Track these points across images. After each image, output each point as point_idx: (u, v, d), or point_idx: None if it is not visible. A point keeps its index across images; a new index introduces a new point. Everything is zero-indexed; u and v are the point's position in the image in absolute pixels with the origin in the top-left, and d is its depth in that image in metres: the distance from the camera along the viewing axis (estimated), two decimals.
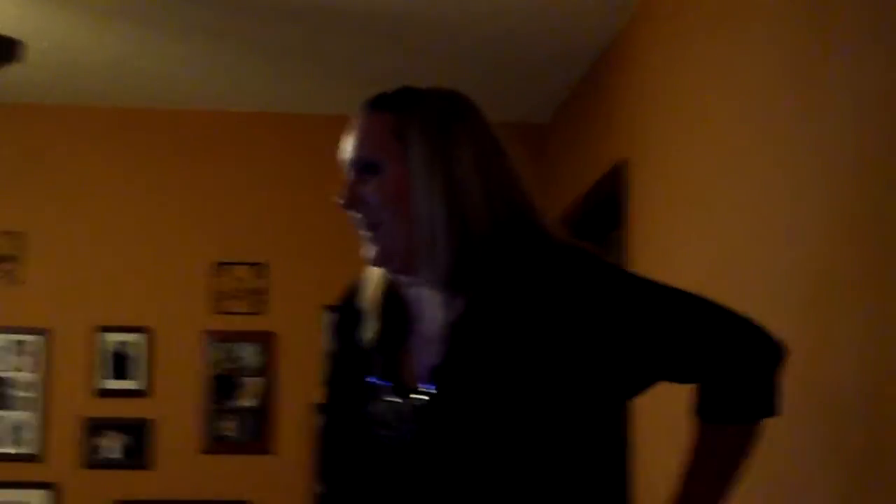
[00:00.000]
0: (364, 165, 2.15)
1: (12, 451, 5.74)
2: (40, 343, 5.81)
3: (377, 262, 2.18)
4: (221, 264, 5.97)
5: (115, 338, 5.86)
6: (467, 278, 2.10)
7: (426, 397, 2.11)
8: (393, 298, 2.23)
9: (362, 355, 2.24)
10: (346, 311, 2.31)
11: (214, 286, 5.96)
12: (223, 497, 5.81)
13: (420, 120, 2.15)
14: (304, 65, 5.44)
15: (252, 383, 5.88)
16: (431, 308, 2.17)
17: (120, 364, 5.84)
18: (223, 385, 5.87)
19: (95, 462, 5.78)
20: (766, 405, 2.14)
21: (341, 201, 2.16)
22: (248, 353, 5.90)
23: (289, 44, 5.21)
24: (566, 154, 5.74)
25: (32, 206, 5.95)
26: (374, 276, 2.25)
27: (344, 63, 5.39)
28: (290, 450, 5.80)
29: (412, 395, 2.13)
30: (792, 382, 2.23)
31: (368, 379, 2.21)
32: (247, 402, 5.87)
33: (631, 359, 2.09)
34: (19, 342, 5.80)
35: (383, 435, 2.15)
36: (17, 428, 5.74)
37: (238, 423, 5.85)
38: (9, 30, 4.62)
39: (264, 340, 5.92)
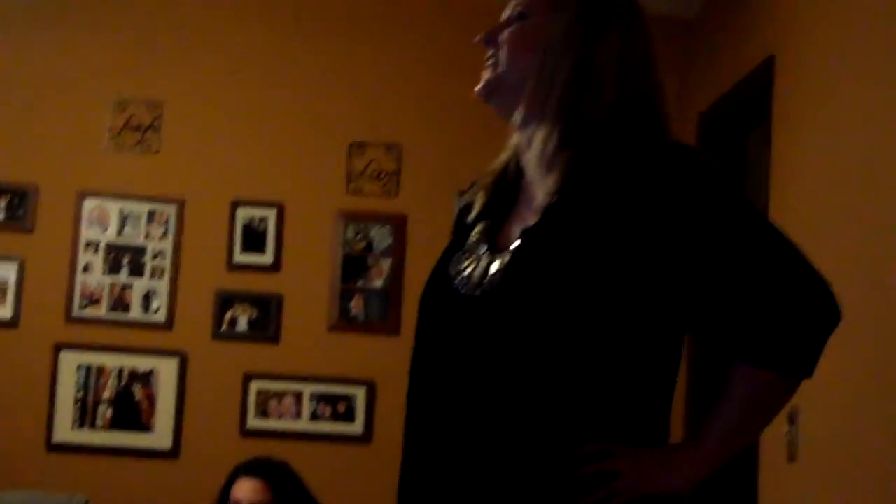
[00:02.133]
0: (515, 14, 2.26)
1: (142, 318, 5.83)
2: (174, 213, 5.86)
3: (484, 90, 2.28)
4: (356, 144, 5.96)
5: (248, 212, 5.89)
6: (574, 148, 2.16)
7: (510, 252, 2.16)
8: (511, 178, 2.30)
9: (468, 229, 2.31)
10: (468, 199, 2.38)
11: (348, 166, 5.96)
12: (348, 375, 5.85)
13: None
14: None
15: (381, 264, 5.89)
16: (539, 181, 2.22)
17: (252, 238, 5.88)
18: (352, 264, 5.89)
19: (224, 334, 5.84)
20: (808, 362, 2.11)
21: (480, 37, 2.29)
22: (379, 234, 5.91)
23: None
24: (712, 50, 5.63)
25: (173, 76, 5.96)
26: (500, 160, 2.33)
27: None
28: None
29: (500, 252, 2.19)
30: None
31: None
32: (375, 282, 5.89)
33: (699, 265, 2.09)
34: (153, 211, 5.85)
35: (461, 286, 2.20)
36: (147, 295, 5.81)
37: (365, 303, 5.88)
38: None
39: (396, 222, 5.92)
